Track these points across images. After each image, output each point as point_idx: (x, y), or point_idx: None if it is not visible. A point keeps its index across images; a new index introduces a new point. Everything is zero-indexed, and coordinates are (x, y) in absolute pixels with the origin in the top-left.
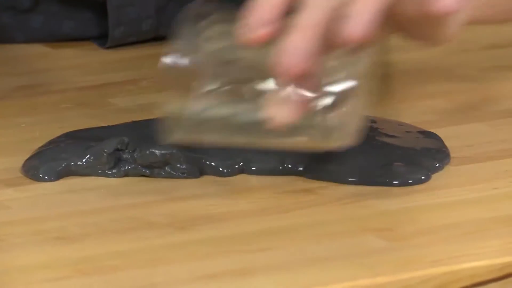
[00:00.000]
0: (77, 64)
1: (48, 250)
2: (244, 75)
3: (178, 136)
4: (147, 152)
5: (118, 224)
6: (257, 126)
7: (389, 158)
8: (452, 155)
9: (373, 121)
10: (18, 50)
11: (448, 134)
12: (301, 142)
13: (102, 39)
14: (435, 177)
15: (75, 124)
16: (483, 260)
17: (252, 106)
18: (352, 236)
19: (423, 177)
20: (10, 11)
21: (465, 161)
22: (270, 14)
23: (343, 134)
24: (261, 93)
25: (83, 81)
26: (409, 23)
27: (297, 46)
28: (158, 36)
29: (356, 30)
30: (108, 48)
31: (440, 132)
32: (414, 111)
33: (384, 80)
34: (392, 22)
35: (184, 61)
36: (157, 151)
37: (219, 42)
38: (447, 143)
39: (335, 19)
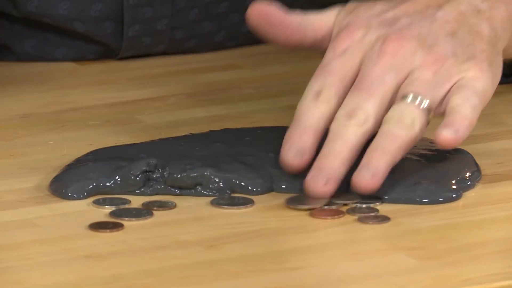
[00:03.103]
0: (103, 81)
1: (77, 268)
2: None
3: None
4: (178, 176)
5: (146, 242)
6: None
7: (420, 176)
8: (482, 172)
9: None
10: (45, 67)
11: (478, 152)
12: None
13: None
14: (466, 195)
15: (103, 141)
16: None
17: None
18: (383, 254)
19: (454, 195)
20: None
21: (495, 179)
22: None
23: None
24: None
25: (110, 97)
26: None
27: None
28: (173, 41)
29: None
30: (123, 58)
31: (470, 149)
32: None
33: None
34: None
35: None
36: (187, 175)
37: None
38: (477, 160)
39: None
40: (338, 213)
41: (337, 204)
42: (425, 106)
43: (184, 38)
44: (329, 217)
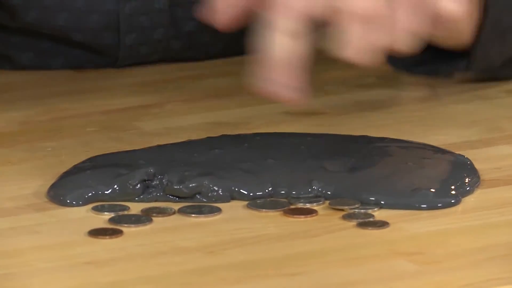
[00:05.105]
0: (101, 88)
1: (77, 275)
2: None
3: None
4: (176, 187)
5: (146, 249)
6: None
7: (419, 182)
8: (481, 178)
9: (402, 144)
10: (42, 74)
11: (477, 157)
12: None
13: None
14: (464, 200)
15: (100, 148)
16: None
17: None
18: (382, 260)
19: (452, 201)
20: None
21: (494, 184)
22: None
23: None
24: None
25: (107, 104)
26: None
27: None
28: (170, 51)
29: None
30: (121, 66)
31: (468, 154)
32: (443, 134)
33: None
34: None
35: None
36: (186, 186)
37: None
38: (475, 166)
39: None
40: (310, 212)
41: (335, 209)
42: None
43: (181, 48)
44: (302, 216)
